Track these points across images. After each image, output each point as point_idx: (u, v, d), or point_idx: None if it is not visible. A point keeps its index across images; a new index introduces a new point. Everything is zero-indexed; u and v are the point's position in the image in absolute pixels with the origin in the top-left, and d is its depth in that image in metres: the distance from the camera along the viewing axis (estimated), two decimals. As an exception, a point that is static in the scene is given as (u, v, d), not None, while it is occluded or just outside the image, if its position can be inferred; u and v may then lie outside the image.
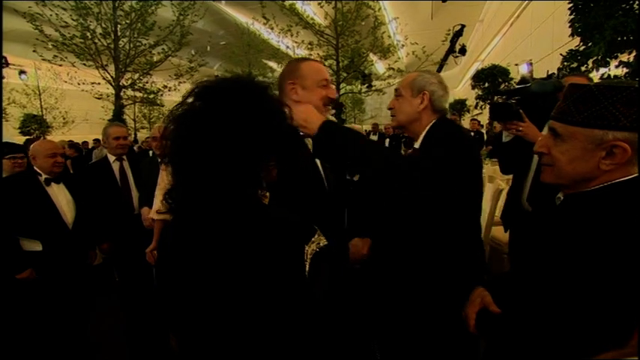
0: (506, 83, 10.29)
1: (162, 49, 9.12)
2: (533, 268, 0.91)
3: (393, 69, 9.15)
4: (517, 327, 0.87)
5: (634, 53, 3.32)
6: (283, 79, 1.32)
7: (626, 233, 0.72)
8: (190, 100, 0.74)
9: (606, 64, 3.48)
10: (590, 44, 3.52)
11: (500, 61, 11.12)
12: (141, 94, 9.91)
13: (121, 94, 9.16)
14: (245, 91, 0.74)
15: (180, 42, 9.03)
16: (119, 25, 8.89)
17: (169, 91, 9.81)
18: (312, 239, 0.82)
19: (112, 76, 9.14)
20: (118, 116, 9.26)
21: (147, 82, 9.51)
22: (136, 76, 9.43)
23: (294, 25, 8.61)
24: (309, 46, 8.55)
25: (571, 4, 3.63)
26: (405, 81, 1.48)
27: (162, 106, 11.43)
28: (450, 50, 4.27)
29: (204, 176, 0.71)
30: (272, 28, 8.80)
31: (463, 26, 4.17)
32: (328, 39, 8.50)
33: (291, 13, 8.49)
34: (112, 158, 2.77)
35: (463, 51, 6.57)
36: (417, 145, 1.41)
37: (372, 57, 9.36)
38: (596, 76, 3.71)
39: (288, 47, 10.07)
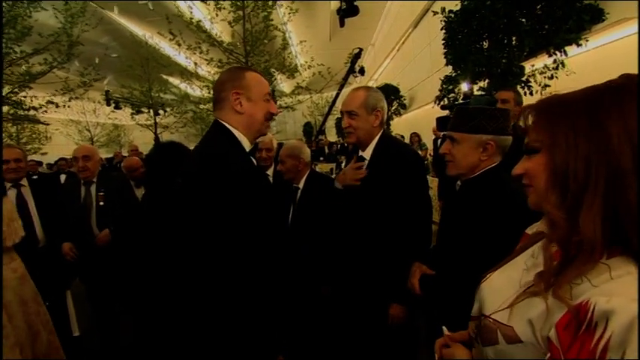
0: (398, 100, 11.94)
1: (45, 59, 7.97)
2: (448, 236, 1.34)
3: (301, 87, 9.77)
4: (447, 279, 1.27)
5: (487, 80, 4.41)
6: (225, 86, 1.24)
7: (496, 201, 1.17)
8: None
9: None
10: (458, 72, 4.53)
11: (390, 81, 12.82)
12: (9, 109, 8.25)
13: (-12, 108, 7.64)
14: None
15: (69, 53, 8.01)
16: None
17: (57, 107, 8.52)
18: None
19: (-27, 88, 7.59)
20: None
21: (25, 97, 8.13)
22: (8, 88, 7.96)
23: (202, 42, 8.53)
24: (219, 64, 8.57)
25: (444, 40, 4.62)
26: (357, 101, 1.53)
27: (48, 124, 9.80)
28: (351, 70, 4.93)
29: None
30: (179, 45, 8.56)
31: (361, 50, 4.90)
32: (238, 57, 8.64)
33: (198, 30, 8.41)
34: (8, 185, 2.53)
35: (362, 71, 7.53)
36: (365, 155, 1.60)
37: (278, 76, 9.83)
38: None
39: (197, 65, 9.88)
